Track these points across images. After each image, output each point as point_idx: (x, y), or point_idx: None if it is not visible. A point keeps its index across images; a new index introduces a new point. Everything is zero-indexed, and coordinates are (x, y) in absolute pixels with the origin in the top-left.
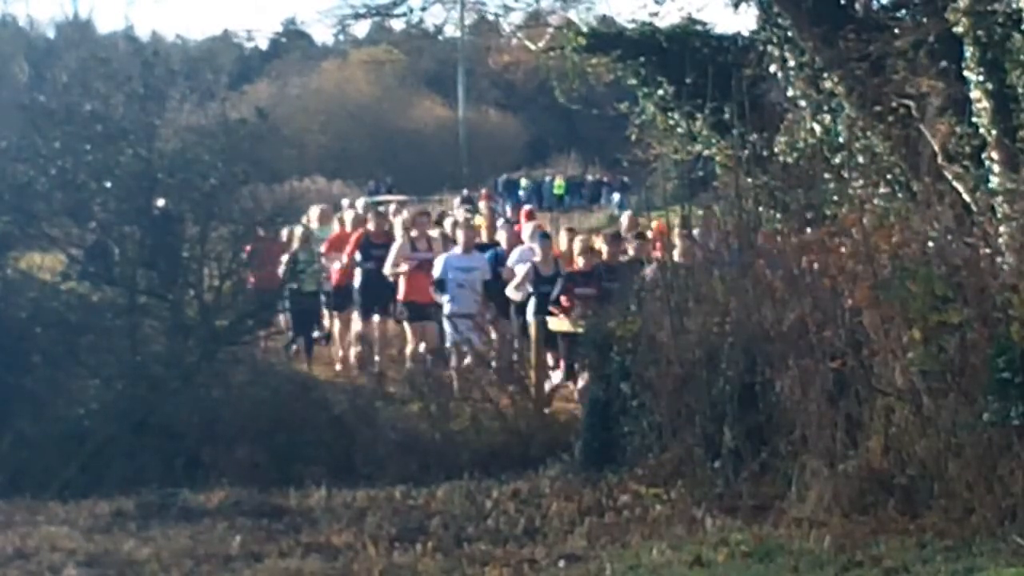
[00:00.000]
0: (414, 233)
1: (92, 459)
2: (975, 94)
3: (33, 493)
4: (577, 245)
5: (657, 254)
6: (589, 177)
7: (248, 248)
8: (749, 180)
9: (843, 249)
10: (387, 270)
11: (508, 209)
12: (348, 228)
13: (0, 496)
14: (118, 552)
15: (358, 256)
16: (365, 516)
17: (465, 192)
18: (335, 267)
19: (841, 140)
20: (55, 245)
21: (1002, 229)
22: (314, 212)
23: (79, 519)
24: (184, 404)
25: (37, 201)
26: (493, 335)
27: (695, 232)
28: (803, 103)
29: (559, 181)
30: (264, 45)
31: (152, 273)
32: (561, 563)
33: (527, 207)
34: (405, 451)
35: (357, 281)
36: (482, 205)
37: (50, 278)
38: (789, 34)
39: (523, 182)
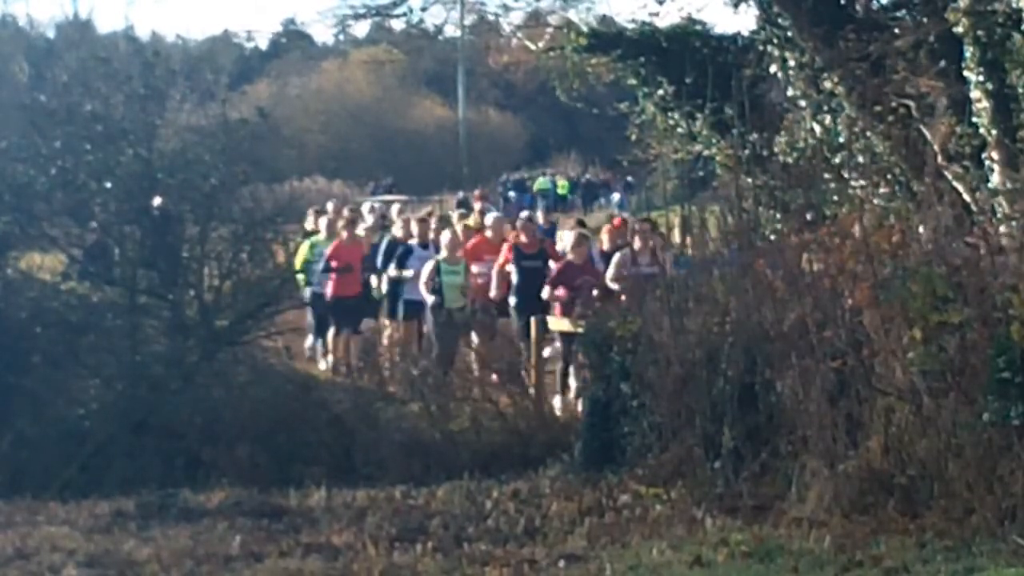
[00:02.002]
0: (637, 244)
1: (92, 459)
2: (975, 94)
3: (33, 493)
4: None
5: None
6: (588, 176)
7: (328, 253)
8: (749, 180)
9: (844, 249)
10: (611, 281)
11: (540, 214)
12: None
13: (0, 496)
14: (118, 552)
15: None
16: (365, 516)
17: (461, 194)
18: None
19: (841, 140)
20: (55, 245)
21: (1002, 229)
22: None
23: (79, 519)
24: (184, 404)
25: (37, 201)
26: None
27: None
28: (803, 103)
29: (562, 181)
30: (264, 45)
31: (152, 273)
32: (561, 563)
33: (618, 216)
34: (405, 451)
35: (512, 299)
36: (477, 206)
37: (50, 278)
38: (789, 34)
39: (540, 181)
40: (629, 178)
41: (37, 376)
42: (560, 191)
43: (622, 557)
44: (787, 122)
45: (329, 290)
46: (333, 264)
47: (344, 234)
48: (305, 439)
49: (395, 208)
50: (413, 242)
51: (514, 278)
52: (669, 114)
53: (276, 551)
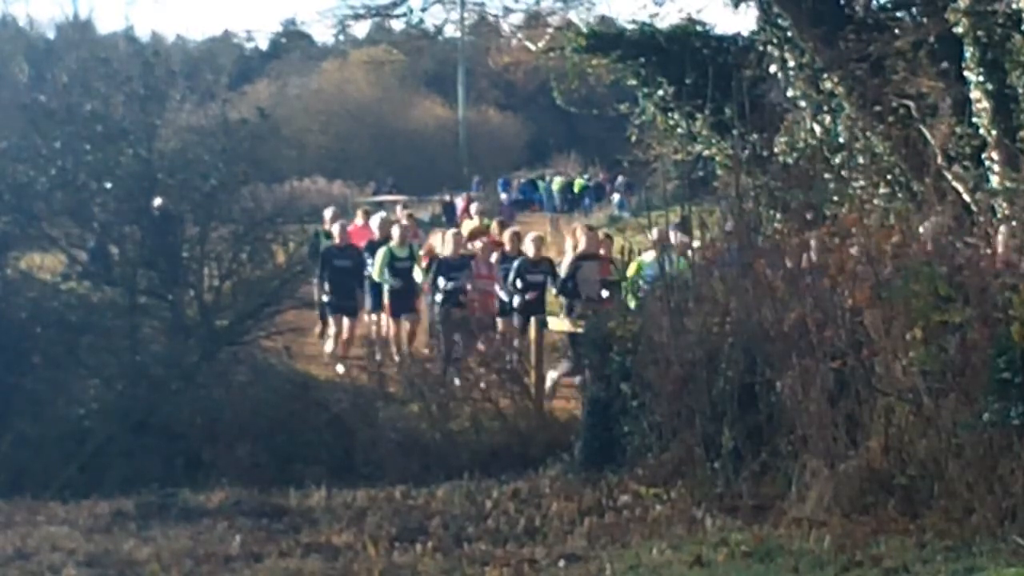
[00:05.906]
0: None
1: (92, 459)
2: (975, 94)
3: (33, 493)
4: None
5: None
6: (587, 177)
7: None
8: (749, 180)
9: (848, 249)
10: None
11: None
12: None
13: (0, 496)
14: (118, 552)
15: None
16: (365, 516)
17: (448, 197)
18: None
19: (841, 140)
20: (55, 245)
21: (1002, 229)
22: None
23: (79, 519)
24: (184, 404)
25: (37, 201)
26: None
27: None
28: (803, 103)
29: (579, 180)
30: (264, 45)
31: (152, 273)
32: (561, 563)
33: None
34: (405, 451)
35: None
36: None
37: (50, 278)
38: (789, 34)
39: (557, 181)
40: (619, 179)
41: (37, 376)
42: (576, 190)
43: (622, 557)
44: (787, 122)
45: None
46: None
47: None
48: (305, 439)
49: (398, 208)
50: None
51: None
52: (669, 114)
53: (276, 551)
